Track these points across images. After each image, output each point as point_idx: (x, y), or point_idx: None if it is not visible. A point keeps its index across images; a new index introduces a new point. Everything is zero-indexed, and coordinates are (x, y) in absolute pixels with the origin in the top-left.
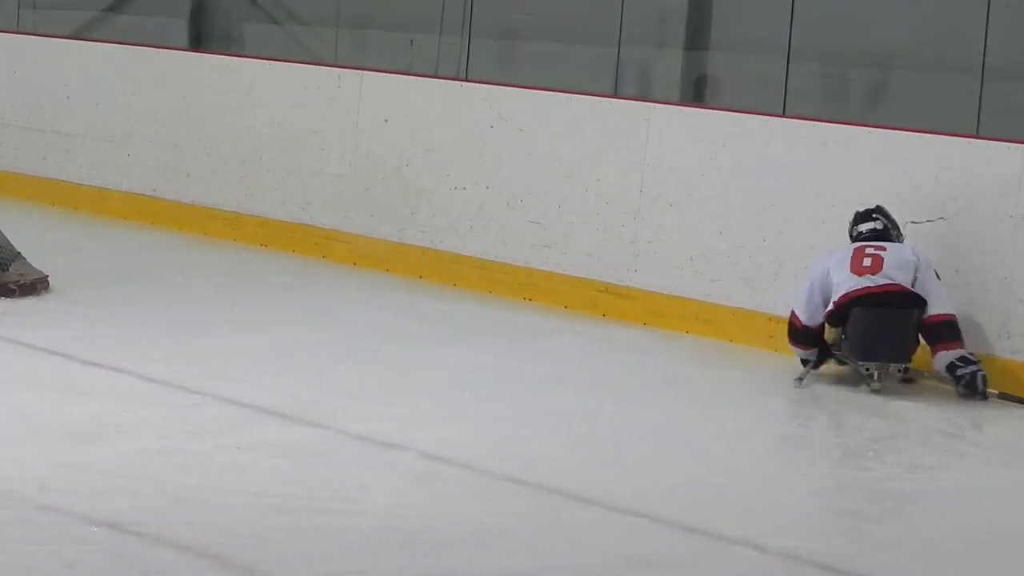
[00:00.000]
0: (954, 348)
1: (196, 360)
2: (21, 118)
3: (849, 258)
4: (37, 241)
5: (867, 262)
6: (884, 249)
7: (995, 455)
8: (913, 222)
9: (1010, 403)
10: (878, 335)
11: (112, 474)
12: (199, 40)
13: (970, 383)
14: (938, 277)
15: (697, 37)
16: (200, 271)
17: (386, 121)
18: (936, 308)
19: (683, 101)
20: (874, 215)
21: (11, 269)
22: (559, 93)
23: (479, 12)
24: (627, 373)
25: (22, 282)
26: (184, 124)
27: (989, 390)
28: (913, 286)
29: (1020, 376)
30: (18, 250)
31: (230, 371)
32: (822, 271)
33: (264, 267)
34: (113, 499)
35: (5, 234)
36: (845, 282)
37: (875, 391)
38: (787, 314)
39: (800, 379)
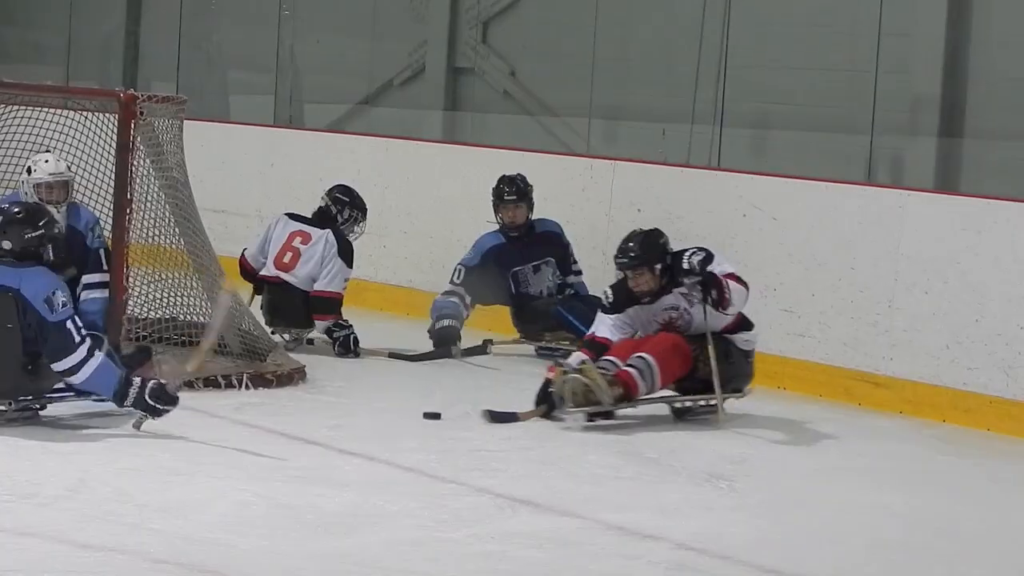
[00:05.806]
0: (329, 319)
1: (450, 449)
2: (277, 210)
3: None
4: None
5: (287, 257)
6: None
7: None
8: None
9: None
10: None
11: (367, 564)
12: (452, 132)
13: (344, 343)
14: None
15: (951, 124)
16: (453, 361)
17: (639, 211)
18: (321, 285)
19: (938, 188)
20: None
21: (268, 359)
22: (812, 181)
23: (731, 102)
24: (884, 462)
25: (279, 372)
26: (438, 216)
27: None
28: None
29: None
30: (276, 340)
31: (483, 460)
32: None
33: (521, 356)
34: None
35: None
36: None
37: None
38: None
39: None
